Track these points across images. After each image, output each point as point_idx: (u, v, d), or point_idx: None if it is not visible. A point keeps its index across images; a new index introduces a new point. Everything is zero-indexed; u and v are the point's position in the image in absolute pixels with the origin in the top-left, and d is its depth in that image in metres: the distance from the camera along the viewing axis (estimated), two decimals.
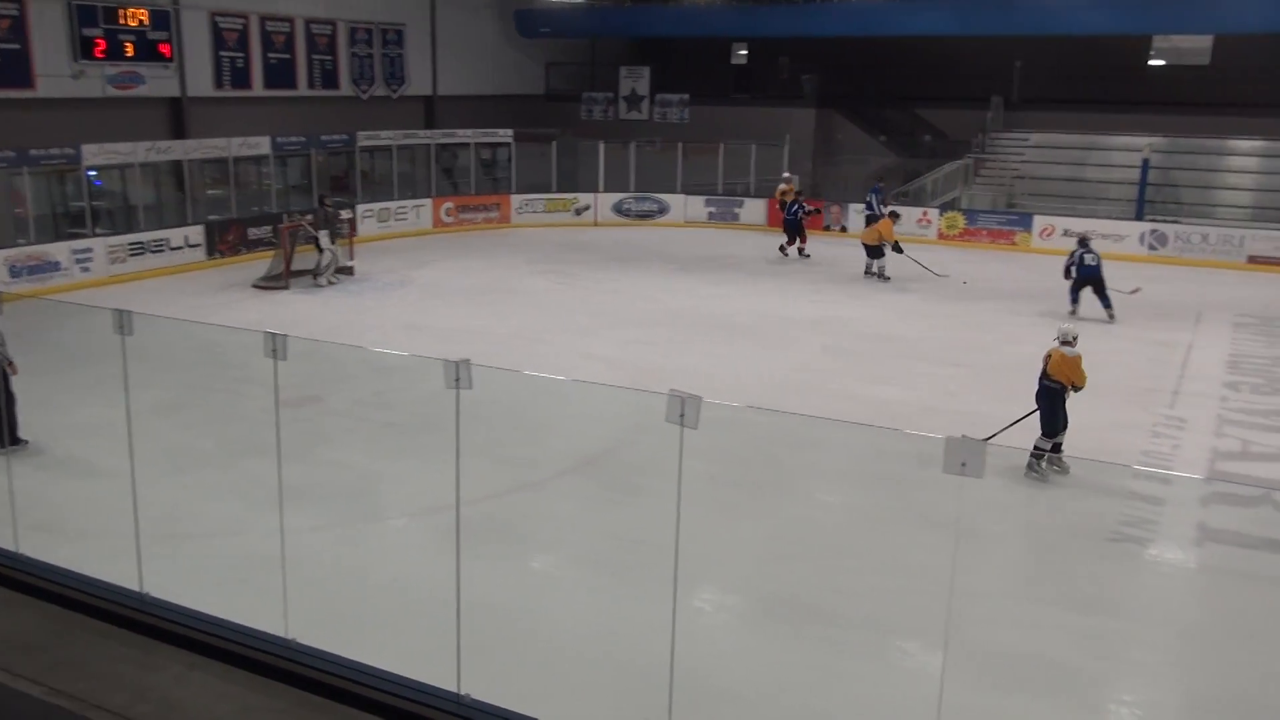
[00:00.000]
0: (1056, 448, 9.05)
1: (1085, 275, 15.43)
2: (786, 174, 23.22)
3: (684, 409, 3.68)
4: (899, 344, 13.88)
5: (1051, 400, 9.05)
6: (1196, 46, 24.79)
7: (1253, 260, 19.98)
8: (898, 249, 18.21)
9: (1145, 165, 22.50)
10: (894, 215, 19.45)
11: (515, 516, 8.25)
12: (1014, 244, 22.11)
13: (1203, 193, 23.47)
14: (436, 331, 14.24)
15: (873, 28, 25.67)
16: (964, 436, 3.37)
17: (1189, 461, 9.74)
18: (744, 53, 31.29)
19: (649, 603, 6.36)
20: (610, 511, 8.47)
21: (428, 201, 23.70)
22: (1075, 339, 9.20)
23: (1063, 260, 15.88)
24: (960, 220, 22.72)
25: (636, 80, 29.53)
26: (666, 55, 31.09)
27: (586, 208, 25.16)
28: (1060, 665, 6.21)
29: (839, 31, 26.09)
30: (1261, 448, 10.04)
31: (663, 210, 25.30)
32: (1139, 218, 21.68)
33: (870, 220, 20.46)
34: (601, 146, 25.63)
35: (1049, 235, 21.72)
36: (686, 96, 28.97)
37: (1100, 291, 15.35)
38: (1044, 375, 9.14)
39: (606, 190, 25.43)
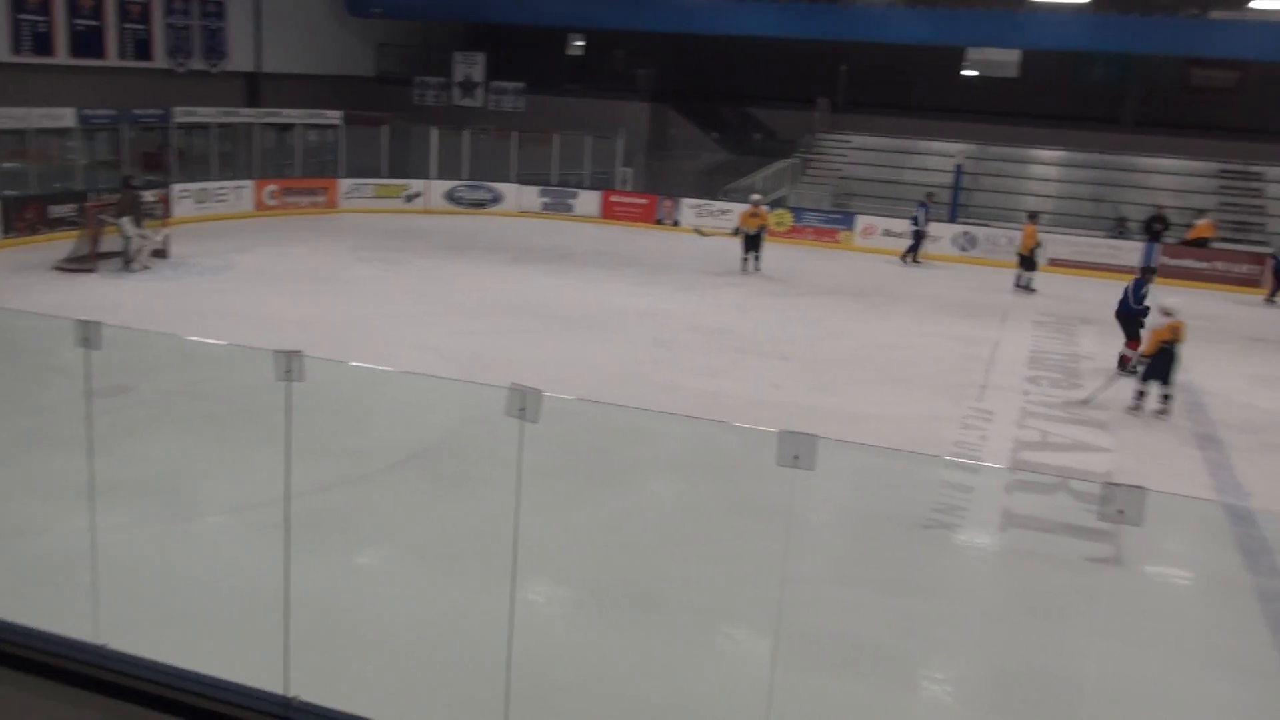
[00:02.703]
0: None
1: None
2: (756, 195, 21.08)
3: (525, 403, 3.66)
4: (727, 337, 14.20)
5: None
6: (1005, 60, 26.37)
7: (1053, 263, 21.37)
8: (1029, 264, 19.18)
9: (959, 171, 23.74)
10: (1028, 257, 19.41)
11: (343, 511, 8.03)
12: (837, 242, 22.97)
13: (1009, 198, 24.96)
14: (257, 319, 13.69)
15: (705, 25, 26.15)
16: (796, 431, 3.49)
17: (995, 451, 10.35)
18: (580, 44, 31.33)
19: (482, 596, 6.32)
20: (442, 505, 8.35)
21: (249, 183, 22.73)
22: None
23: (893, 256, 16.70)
24: (788, 217, 23.42)
25: (471, 67, 29.13)
26: (502, 43, 30.79)
27: (418, 194, 24.68)
28: (877, 646, 6.50)
29: (673, 27, 26.45)
30: (1059, 438, 10.77)
31: (496, 199, 25.07)
32: (952, 220, 22.87)
33: (917, 235, 21.37)
34: (435, 132, 25.17)
35: (870, 234, 22.66)
36: (522, 85, 28.79)
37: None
38: None
39: (439, 177, 25.00)
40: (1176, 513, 8.00)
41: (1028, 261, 19.09)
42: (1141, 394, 11.83)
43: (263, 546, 6.58)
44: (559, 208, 25.07)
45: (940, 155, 25.72)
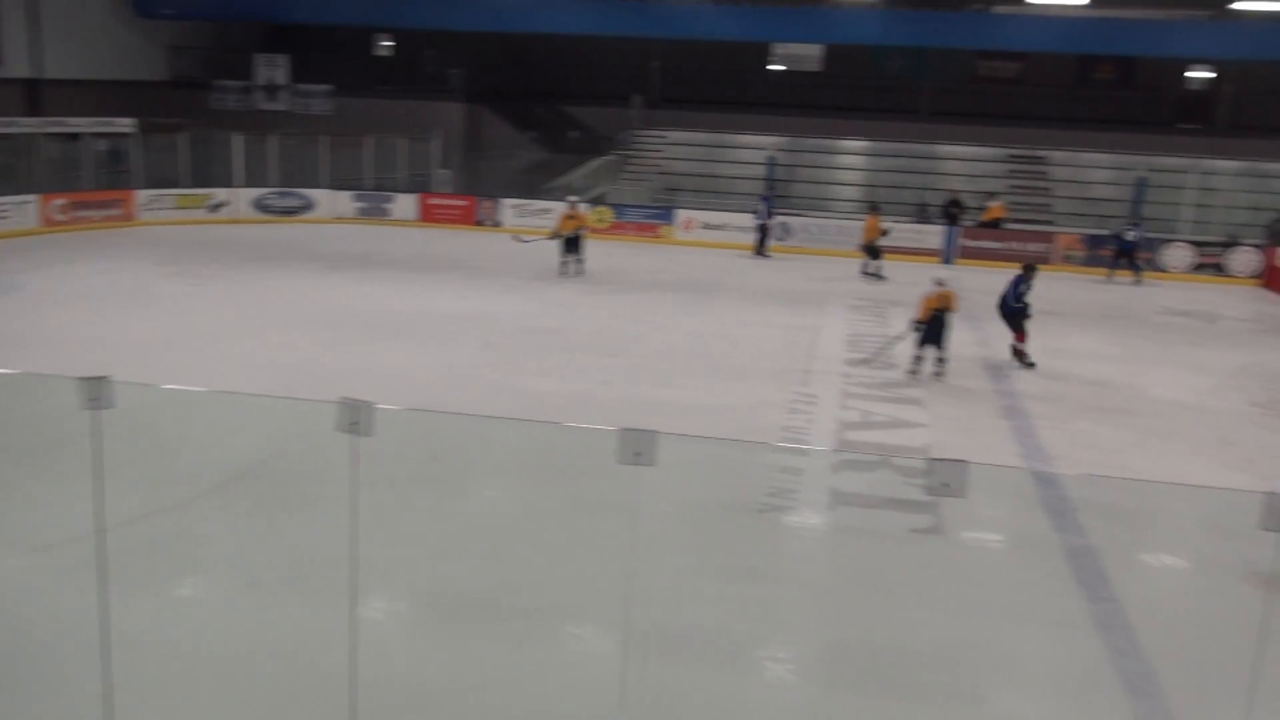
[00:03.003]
0: None
1: None
2: (572, 197, 20.88)
3: (357, 416, 3.55)
4: (555, 337, 14.18)
5: None
6: (809, 54, 27.37)
7: (865, 249, 22.25)
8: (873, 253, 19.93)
9: (771, 163, 24.46)
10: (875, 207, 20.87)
11: (162, 541, 7.59)
12: (659, 236, 23.31)
13: (821, 188, 25.90)
14: (55, 343, 12.78)
15: (516, 24, 26.06)
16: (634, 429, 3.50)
17: (821, 433, 10.71)
18: (388, 44, 30.66)
19: (321, 618, 6.10)
20: (271, 527, 8.01)
21: (34, 198, 21.21)
22: None
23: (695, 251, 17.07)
24: (609, 214, 23.59)
25: (274, 69, 28.06)
26: (306, 44, 29.79)
27: (224, 204, 23.61)
28: (721, 632, 6.62)
29: (483, 26, 26.23)
30: (879, 417, 11.24)
31: (308, 206, 24.26)
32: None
33: (762, 230, 21.76)
34: (241, 139, 24.15)
35: (690, 228, 23.08)
36: (330, 87, 27.91)
37: None
38: None
39: (246, 185, 23.99)
40: (989, 481, 8.49)
41: (872, 250, 19.87)
42: (918, 359, 12.83)
43: (74, 586, 6.15)
44: (375, 212, 24.47)
45: (753, 148, 26.43)
